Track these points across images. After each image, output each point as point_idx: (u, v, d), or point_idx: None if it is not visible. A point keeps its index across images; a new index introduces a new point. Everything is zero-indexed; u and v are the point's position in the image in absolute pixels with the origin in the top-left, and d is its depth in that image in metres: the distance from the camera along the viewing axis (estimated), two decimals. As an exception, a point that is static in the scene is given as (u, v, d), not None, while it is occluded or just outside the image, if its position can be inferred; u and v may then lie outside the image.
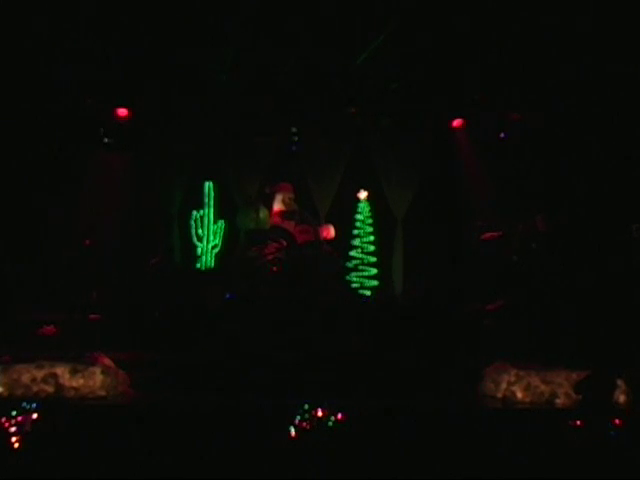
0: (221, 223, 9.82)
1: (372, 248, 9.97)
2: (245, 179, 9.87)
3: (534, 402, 5.29)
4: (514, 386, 5.36)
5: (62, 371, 5.18)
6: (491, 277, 7.87)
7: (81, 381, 5.19)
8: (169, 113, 9.29)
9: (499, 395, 5.40)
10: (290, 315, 6.90)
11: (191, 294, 7.81)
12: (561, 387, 5.27)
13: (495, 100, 9.12)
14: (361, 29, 7.53)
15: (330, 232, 8.70)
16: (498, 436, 4.68)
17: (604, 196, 8.38)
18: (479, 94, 9.08)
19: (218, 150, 9.80)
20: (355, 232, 9.98)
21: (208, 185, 9.84)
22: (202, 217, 9.81)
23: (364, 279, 9.86)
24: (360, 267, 9.89)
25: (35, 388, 5.11)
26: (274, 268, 7.83)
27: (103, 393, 5.22)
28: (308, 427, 4.52)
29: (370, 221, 10.03)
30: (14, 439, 4.39)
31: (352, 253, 9.90)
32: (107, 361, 5.45)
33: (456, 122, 9.82)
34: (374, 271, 9.91)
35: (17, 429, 4.41)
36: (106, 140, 9.33)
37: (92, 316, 7.35)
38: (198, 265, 9.71)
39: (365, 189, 10.04)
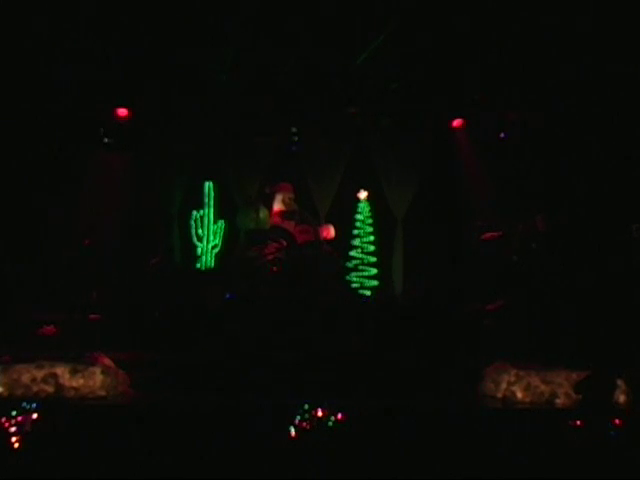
0: (221, 223, 9.82)
1: (372, 248, 9.97)
2: (245, 179, 9.87)
3: (534, 402, 5.30)
4: (514, 386, 5.37)
5: (62, 371, 5.18)
6: (491, 277, 7.87)
7: (81, 381, 5.19)
8: (169, 113, 9.29)
9: (499, 395, 5.40)
10: (290, 315, 6.90)
11: (191, 294, 7.81)
12: (561, 387, 5.27)
13: (495, 100, 9.12)
14: (361, 29, 7.53)
15: (330, 232, 8.70)
16: (498, 436, 4.68)
17: (604, 196, 8.38)
18: (479, 94, 9.08)
19: (218, 150, 9.80)
20: (355, 232, 9.98)
21: (208, 185, 9.84)
22: (202, 217, 9.80)
23: (364, 279, 9.86)
24: (360, 267, 9.88)
25: (35, 388, 5.11)
26: (274, 268, 7.83)
27: (103, 393, 5.22)
28: (308, 427, 4.52)
29: (370, 221, 10.03)
30: (14, 439, 4.39)
31: (352, 253, 9.90)
32: (107, 361, 5.45)
33: (456, 122, 9.82)
34: (374, 271, 9.91)
35: (17, 429, 4.41)
36: (106, 140, 9.33)
37: (92, 316, 7.35)
38: (198, 265, 9.71)
39: (365, 189, 10.04)
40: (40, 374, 5.15)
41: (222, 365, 5.86)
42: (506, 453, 4.58)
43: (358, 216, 10.01)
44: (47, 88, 8.47)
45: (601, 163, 8.57)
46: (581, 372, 5.19)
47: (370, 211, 10.04)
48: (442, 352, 6.42)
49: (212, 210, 9.82)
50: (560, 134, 8.95)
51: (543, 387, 5.32)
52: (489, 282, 7.85)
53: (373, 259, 9.93)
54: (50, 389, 5.13)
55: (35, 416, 4.48)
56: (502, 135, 9.56)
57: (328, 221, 9.43)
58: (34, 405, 4.53)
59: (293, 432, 4.51)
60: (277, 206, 8.59)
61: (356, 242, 9.95)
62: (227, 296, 7.66)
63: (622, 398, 5.17)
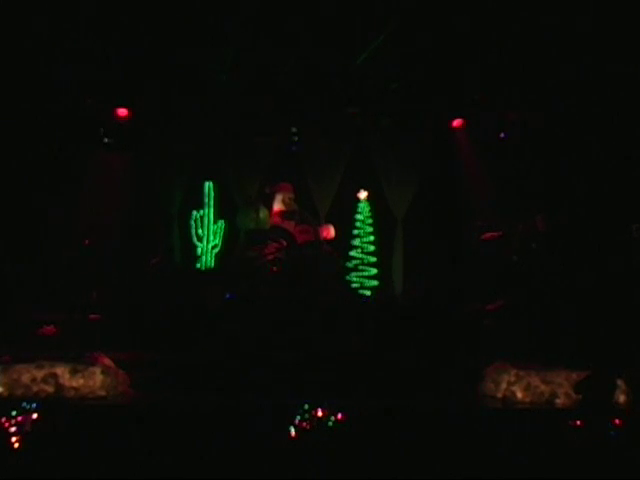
0: (221, 223, 9.82)
1: (372, 248, 9.97)
2: (245, 179, 9.87)
3: (534, 402, 5.30)
4: (514, 386, 5.37)
5: (62, 371, 5.18)
6: (491, 277, 7.87)
7: (81, 381, 5.19)
8: (169, 113, 9.29)
9: (499, 395, 5.40)
10: (290, 315, 6.90)
11: (191, 294, 7.81)
12: (561, 387, 5.28)
13: (495, 100, 9.12)
14: (361, 29, 7.53)
15: (330, 232, 8.70)
16: (498, 436, 4.68)
17: (604, 196, 8.38)
18: (479, 94, 9.08)
19: (218, 150, 9.80)
20: (355, 232, 9.98)
21: (208, 185, 9.84)
22: (202, 217, 9.80)
23: (364, 279, 9.86)
24: (360, 267, 9.88)
25: (35, 388, 5.11)
26: (274, 268, 7.83)
27: (103, 393, 5.22)
28: (308, 427, 4.52)
29: (370, 221, 10.03)
30: (14, 439, 4.39)
31: (352, 253, 9.90)
32: (107, 361, 5.45)
33: (456, 122, 9.82)
34: (374, 271, 9.91)
35: (17, 429, 4.41)
36: (106, 140, 9.33)
37: (92, 316, 7.35)
38: (198, 265, 9.71)
39: (365, 189, 10.04)
40: (40, 374, 5.15)
41: (222, 365, 5.86)
42: (506, 453, 4.58)
43: (358, 216, 10.01)
44: (47, 88, 8.47)
45: (601, 163, 8.57)
46: (581, 372, 5.19)
47: (370, 211, 10.04)
48: (442, 352, 6.42)
49: (212, 210, 9.81)
50: (560, 134, 8.95)
51: (543, 387, 5.32)
52: (489, 282, 7.85)
53: (373, 259, 9.93)
54: (50, 389, 5.13)
55: (35, 416, 4.48)
56: (502, 135, 9.56)
57: (328, 221, 9.42)
58: (34, 405, 4.53)
59: (293, 432, 4.51)
60: (277, 206, 8.59)
61: (356, 242, 9.95)
62: (227, 296, 7.66)
63: (622, 398, 5.17)
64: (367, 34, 7.68)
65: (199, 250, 9.75)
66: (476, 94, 9.13)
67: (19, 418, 4.44)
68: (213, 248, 9.77)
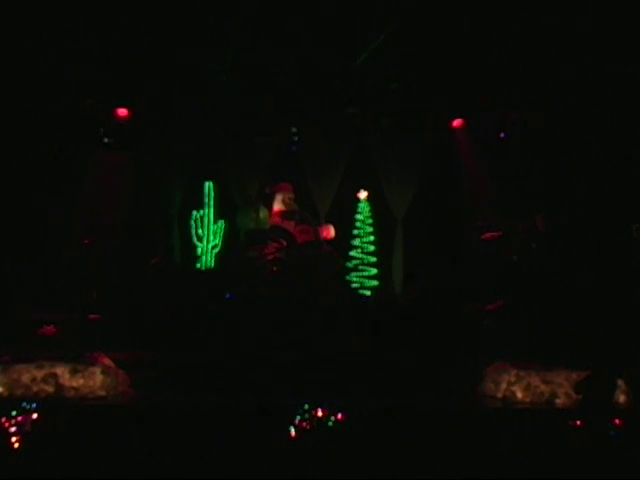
0: (221, 223, 9.82)
1: (372, 248, 9.97)
2: (245, 179, 9.87)
3: (534, 402, 5.29)
4: (514, 386, 5.36)
5: (62, 371, 5.18)
6: (491, 277, 7.87)
7: (81, 381, 5.19)
8: (169, 113, 9.29)
9: (499, 395, 5.40)
10: (290, 315, 6.90)
11: (191, 294, 7.81)
12: (561, 387, 5.27)
13: (495, 100, 9.12)
14: (361, 29, 7.53)
15: (330, 232, 8.70)
16: (498, 436, 4.68)
17: (604, 196, 8.38)
18: (479, 94, 9.08)
19: (218, 150, 9.80)
20: (355, 232, 9.99)
21: (208, 185, 9.84)
22: (202, 217, 9.81)
23: (364, 279, 9.86)
24: (360, 267, 9.89)
25: (35, 388, 5.11)
26: (274, 268, 7.83)
27: (103, 393, 5.21)
28: (308, 427, 4.52)
29: (370, 221, 10.03)
30: (14, 439, 4.39)
31: (352, 253, 9.90)
32: (107, 361, 5.45)
33: (456, 122, 9.82)
34: (374, 271, 9.91)
35: (17, 429, 4.41)
36: (106, 140, 9.34)
37: (92, 316, 7.35)
38: (198, 265, 9.71)
39: (365, 189, 10.04)
40: (40, 374, 5.14)
41: (222, 365, 5.86)
42: (506, 453, 4.57)
43: (358, 216, 10.02)
44: (47, 88, 8.47)
45: (601, 163, 8.57)
46: (581, 372, 5.19)
47: (370, 211, 10.04)
48: (442, 352, 6.42)
49: (212, 210, 9.82)
50: (560, 134, 8.95)
51: (543, 387, 5.31)
52: (489, 282, 7.85)
53: (373, 259, 9.93)
54: (50, 389, 5.12)
55: (35, 416, 4.48)
56: (502, 135, 9.56)
57: (328, 221, 9.42)
58: (34, 405, 4.53)
59: (293, 432, 4.51)
60: (277, 206, 8.59)
61: (356, 242, 9.95)
62: (227, 296, 7.66)
63: (622, 398, 5.17)
64: (367, 34, 7.68)
65: (199, 250, 9.75)
66: (476, 94, 9.12)
67: (19, 418, 4.43)
68: (213, 248, 9.77)
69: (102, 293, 7.89)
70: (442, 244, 9.66)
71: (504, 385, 5.40)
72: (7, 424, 4.41)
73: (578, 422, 4.65)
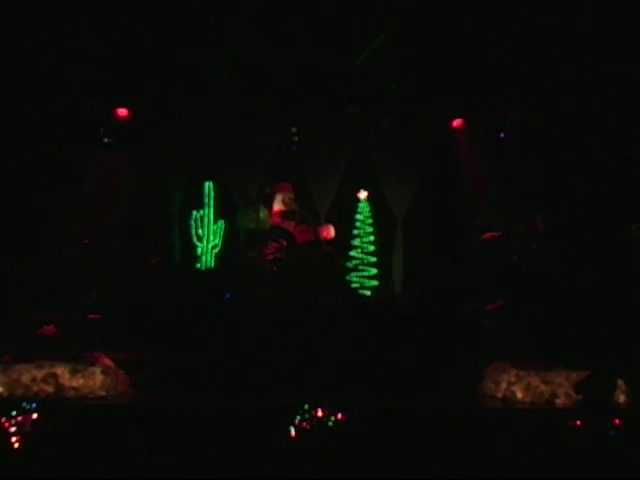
0: (221, 223, 9.83)
1: (372, 248, 9.97)
2: (245, 179, 9.88)
3: (534, 402, 5.29)
4: (514, 386, 5.36)
5: (62, 371, 5.17)
6: (491, 277, 7.87)
7: (81, 381, 5.19)
8: (169, 113, 9.30)
9: (499, 395, 5.40)
10: (290, 315, 6.90)
11: (191, 294, 7.81)
12: (561, 387, 5.27)
13: (495, 100, 9.12)
14: (361, 29, 7.53)
15: (330, 232, 8.70)
16: (498, 436, 4.68)
17: (604, 196, 8.38)
18: (479, 94, 9.08)
19: (218, 150, 9.81)
20: (355, 232, 9.99)
21: (208, 185, 9.85)
22: (202, 217, 9.81)
23: (364, 279, 9.86)
24: (360, 267, 9.89)
25: (35, 388, 5.11)
26: (274, 268, 7.83)
27: (103, 393, 5.21)
28: (308, 427, 4.51)
29: (370, 221, 10.03)
30: (14, 439, 4.38)
31: (352, 253, 9.90)
32: (107, 361, 5.45)
33: (456, 122, 9.83)
34: (374, 271, 9.91)
35: (17, 429, 4.41)
36: (106, 140, 9.34)
37: (92, 316, 7.34)
38: (198, 265, 9.71)
39: (365, 189, 10.05)
40: (40, 374, 5.14)
41: (222, 365, 5.85)
42: (506, 453, 4.57)
43: (358, 216, 10.02)
44: (47, 88, 8.47)
45: (601, 163, 8.57)
46: (581, 372, 5.18)
47: (370, 211, 10.04)
48: (442, 352, 6.42)
49: (212, 210, 9.82)
50: (560, 134, 8.95)
51: (543, 387, 5.31)
52: (489, 282, 7.85)
53: (373, 259, 9.93)
54: (50, 389, 5.12)
55: (35, 416, 4.47)
56: (502, 135, 9.57)
57: (328, 221, 9.42)
58: (34, 405, 4.53)
59: (293, 432, 4.51)
60: (277, 206, 8.59)
61: (356, 242, 9.95)
62: (227, 296, 7.66)
63: (622, 398, 5.16)
64: (367, 34, 7.68)
65: (199, 250, 9.75)
66: (476, 94, 9.12)
67: (19, 418, 4.43)
68: (213, 248, 9.77)
69: (102, 293, 7.89)
70: (442, 244, 9.66)
71: (504, 385, 5.40)
72: (7, 424, 4.41)
73: (578, 422, 4.65)
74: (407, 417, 4.83)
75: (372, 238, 9.98)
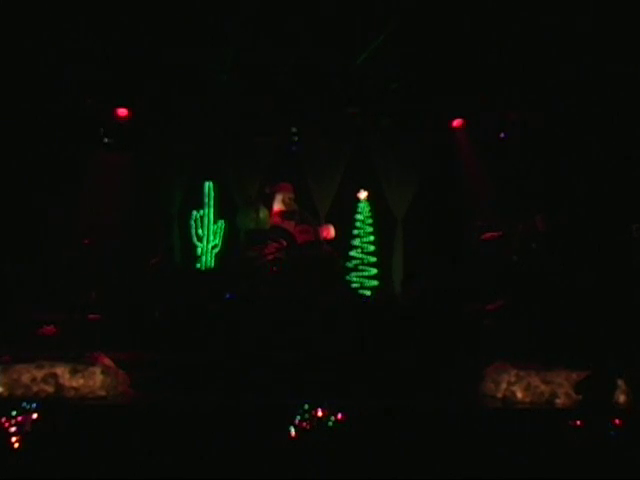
0: (221, 223, 9.83)
1: (372, 248, 9.98)
2: (245, 179, 9.88)
3: (534, 402, 5.29)
4: (514, 386, 5.36)
5: (62, 371, 5.17)
6: (491, 277, 7.87)
7: (81, 381, 5.18)
8: (169, 113, 9.30)
9: (499, 395, 5.40)
10: (290, 315, 6.90)
11: (191, 294, 7.81)
12: (561, 387, 5.27)
13: (495, 100, 9.12)
14: (361, 29, 7.53)
15: (330, 232, 8.70)
16: (498, 436, 4.68)
17: (604, 196, 8.38)
18: (479, 94, 9.08)
19: (218, 150, 9.81)
20: (355, 232, 9.99)
21: (208, 185, 9.85)
22: (202, 217, 9.81)
23: (364, 279, 9.87)
24: (360, 267, 9.89)
25: (35, 388, 5.10)
26: (274, 268, 7.83)
27: (103, 393, 5.21)
28: (308, 427, 4.51)
29: (370, 221, 10.04)
30: (14, 439, 4.38)
31: (352, 253, 9.91)
32: (107, 361, 5.45)
33: (456, 122, 9.83)
34: (374, 271, 9.91)
35: (17, 429, 4.41)
36: (106, 140, 9.35)
37: (92, 316, 7.34)
38: (198, 265, 9.72)
39: (365, 189, 10.05)
40: (40, 374, 5.14)
41: (222, 365, 5.85)
42: (506, 453, 4.57)
43: (358, 216, 10.02)
44: (47, 88, 8.47)
45: (601, 163, 8.57)
46: (581, 372, 5.18)
47: (370, 211, 10.05)
48: (442, 352, 6.42)
49: (212, 210, 9.82)
50: (560, 134, 8.95)
51: (543, 387, 5.31)
52: (489, 282, 7.85)
53: (373, 259, 9.93)
54: (50, 389, 5.12)
55: (35, 416, 4.47)
56: (502, 135, 9.57)
57: (328, 221, 9.43)
58: (34, 405, 4.52)
59: (293, 432, 4.51)
60: (277, 206, 8.58)
61: (356, 242, 9.95)
62: (227, 296, 7.66)
63: (622, 398, 5.16)
64: (367, 34, 7.68)
65: (199, 250, 9.75)
66: (476, 94, 9.13)
67: (19, 418, 4.43)
68: (213, 248, 9.78)
69: (102, 293, 7.89)
70: (442, 244, 9.66)
71: (504, 385, 5.40)
72: (7, 424, 4.41)
73: (578, 422, 4.65)
74: (407, 417, 4.83)
75: (372, 238, 9.98)
